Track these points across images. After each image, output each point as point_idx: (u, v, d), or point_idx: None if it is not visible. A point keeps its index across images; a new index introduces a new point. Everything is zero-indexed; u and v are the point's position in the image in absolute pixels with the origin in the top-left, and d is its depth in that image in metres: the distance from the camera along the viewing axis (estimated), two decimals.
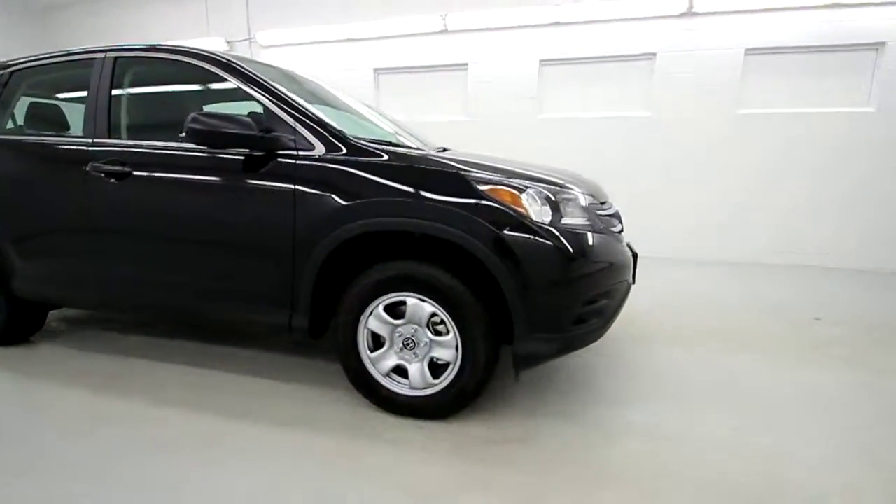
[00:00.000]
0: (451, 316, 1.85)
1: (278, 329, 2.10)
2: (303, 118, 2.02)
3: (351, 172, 1.90)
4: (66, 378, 2.38)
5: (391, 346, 1.98)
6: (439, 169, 1.86)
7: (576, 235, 1.83)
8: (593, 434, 1.94)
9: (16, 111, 2.60)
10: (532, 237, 1.76)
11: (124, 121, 2.35)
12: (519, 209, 1.78)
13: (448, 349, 1.90)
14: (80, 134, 2.35)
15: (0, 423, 1.99)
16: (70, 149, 2.34)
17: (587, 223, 1.92)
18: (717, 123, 5.00)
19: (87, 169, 2.25)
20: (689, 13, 4.77)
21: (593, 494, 1.59)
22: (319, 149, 1.97)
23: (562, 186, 1.95)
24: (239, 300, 2.13)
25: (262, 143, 1.97)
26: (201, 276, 2.17)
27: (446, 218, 1.77)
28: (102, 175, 2.23)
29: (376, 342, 2.00)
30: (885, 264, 4.84)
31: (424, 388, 1.96)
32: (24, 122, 2.67)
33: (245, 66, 2.15)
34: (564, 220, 1.84)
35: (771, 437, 1.93)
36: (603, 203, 2.21)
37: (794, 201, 4.98)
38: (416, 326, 1.93)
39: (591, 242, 1.87)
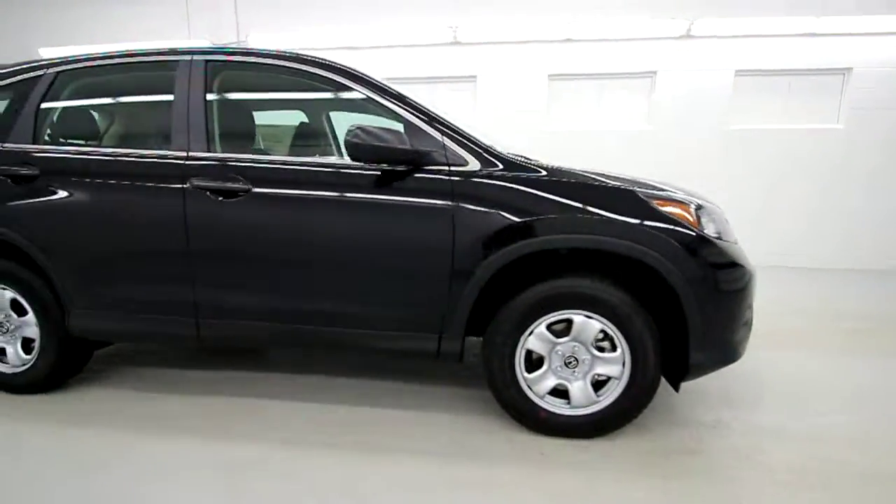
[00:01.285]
0: (620, 331, 1.85)
1: (423, 354, 1.98)
2: (451, 132, 1.93)
3: (520, 189, 1.83)
4: (158, 425, 2.06)
5: (550, 365, 1.93)
6: (609, 185, 1.86)
7: (735, 247, 1.91)
8: (764, 440, 1.98)
9: (69, 118, 2.23)
10: (708, 250, 1.80)
11: (222, 131, 2.09)
12: (692, 223, 1.82)
13: (614, 365, 1.89)
14: (165, 146, 2.07)
15: (133, 492, 1.68)
16: (158, 163, 2.05)
17: (733, 236, 2.00)
18: (709, 137, 5.43)
19: (187, 186, 1.98)
20: (687, 36, 5.16)
21: (798, 496, 1.65)
22: (474, 164, 1.89)
23: (705, 201, 2.02)
24: (381, 326, 1.97)
25: (416, 158, 1.85)
26: (336, 301, 1.98)
27: (631, 234, 1.77)
28: (208, 192, 1.98)
29: (532, 362, 1.95)
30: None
31: (587, 407, 1.93)
32: (63, 129, 2.30)
33: (372, 77, 2.01)
34: (721, 233, 1.91)
35: None
36: None
37: (788, 208, 5.54)
38: (577, 344, 1.90)
39: (743, 254, 1.95)
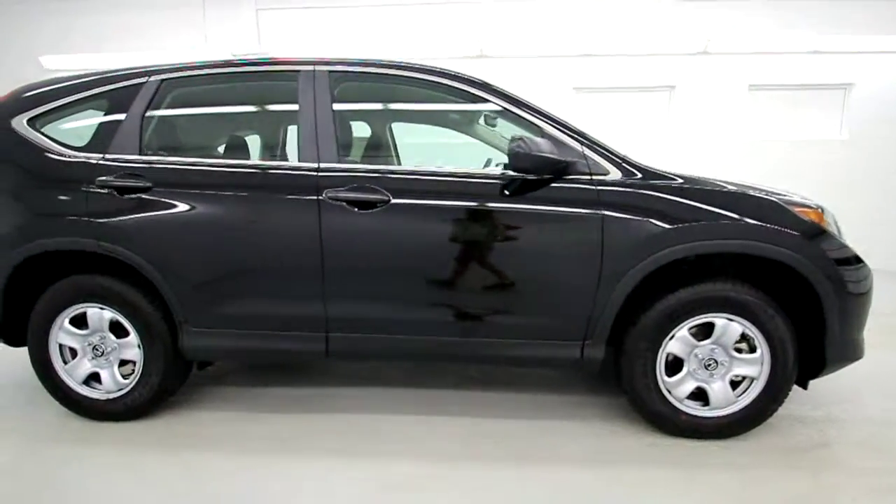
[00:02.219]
0: (762, 333, 1.91)
1: (563, 363, 1.99)
2: (590, 142, 1.96)
3: (668, 197, 1.88)
4: (284, 447, 1.97)
5: (689, 368, 1.97)
6: (751, 193, 1.93)
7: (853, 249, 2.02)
8: (882, 430, 2.08)
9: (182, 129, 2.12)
10: (841, 252, 1.90)
11: (348, 143, 2.06)
12: (829, 229, 1.91)
13: (753, 366, 1.94)
14: (284, 156, 2.02)
15: None
16: (289, 175, 1.99)
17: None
18: (726, 149, 5.70)
19: (322, 197, 1.93)
20: (704, 52, 5.44)
21: None
22: (615, 173, 1.93)
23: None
24: (522, 335, 1.96)
25: (565, 168, 1.87)
26: (476, 312, 1.96)
27: (779, 240, 1.84)
28: (344, 204, 1.93)
29: (671, 366, 1.98)
30: None
31: (725, 408, 1.97)
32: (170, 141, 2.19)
33: (505, 89, 2.03)
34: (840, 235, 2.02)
35: None
36: None
37: None
38: (716, 346, 1.95)
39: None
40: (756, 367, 1.94)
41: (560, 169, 1.87)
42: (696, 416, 1.98)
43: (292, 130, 2.20)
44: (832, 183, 5.74)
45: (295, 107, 2.07)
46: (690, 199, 1.88)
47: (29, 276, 2.11)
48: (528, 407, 2.31)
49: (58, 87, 2.20)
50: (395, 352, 2.06)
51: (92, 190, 2.02)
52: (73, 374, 2.14)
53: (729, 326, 1.92)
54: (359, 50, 5.62)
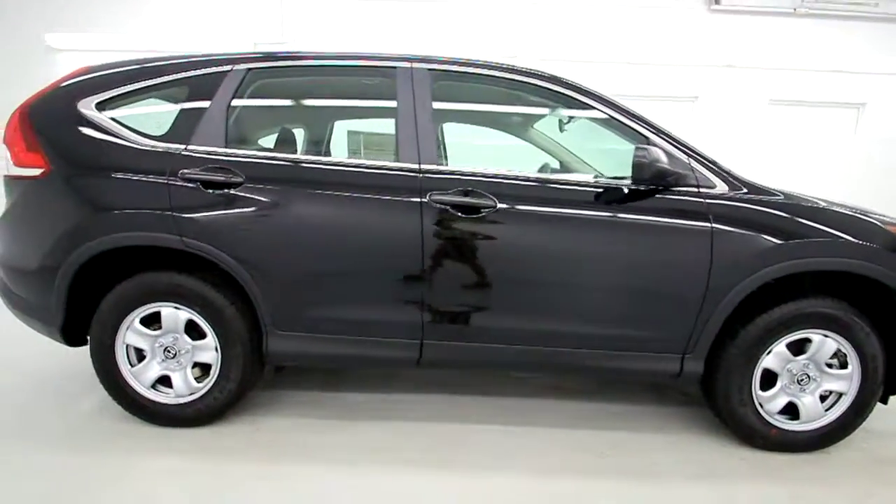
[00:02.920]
0: (855, 349, 1.94)
1: (661, 376, 1.98)
2: (697, 155, 1.95)
3: (775, 213, 1.89)
4: (374, 458, 1.89)
5: (782, 383, 1.99)
6: (855, 214, 1.96)
7: None
8: None
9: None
10: None
11: (451, 144, 1.99)
12: None
13: (842, 381, 1.97)
14: (380, 156, 1.94)
15: None
16: (391, 175, 1.91)
17: None
18: (747, 162, 5.82)
19: (425, 200, 1.86)
20: (728, 66, 5.54)
21: None
22: (721, 187, 1.93)
23: None
24: (624, 347, 1.94)
25: (677, 180, 1.86)
26: (578, 322, 1.93)
27: (882, 260, 1.86)
28: (449, 208, 1.86)
29: (764, 381, 1.99)
30: None
31: (814, 422, 2.00)
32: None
33: (609, 96, 2.00)
34: None
35: None
36: None
37: None
38: (809, 361, 1.97)
39: None
40: (846, 382, 1.98)
41: (674, 181, 1.86)
42: (786, 431, 2.00)
43: (385, 128, 2.13)
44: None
45: (387, 104, 2.00)
46: (800, 216, 1.89)
47: (92, 272, 1.97)
48: (606, 418, 2.29)
49: (129, 70, 2.06)
50: (491, 361, 2.00)
51: (175, 183, 1.90)
52: (140, 378, 2.02)
53: (825, 342, 1.94)
54: (389, 44, 5.50)
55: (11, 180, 2.03)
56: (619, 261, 1.89)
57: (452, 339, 1.94)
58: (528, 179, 1.94)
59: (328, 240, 1.90)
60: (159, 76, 2.03)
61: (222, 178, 1.89)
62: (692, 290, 1.88)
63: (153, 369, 2.02)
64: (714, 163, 1.97)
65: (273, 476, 1.78)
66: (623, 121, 1.96)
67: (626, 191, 1.90)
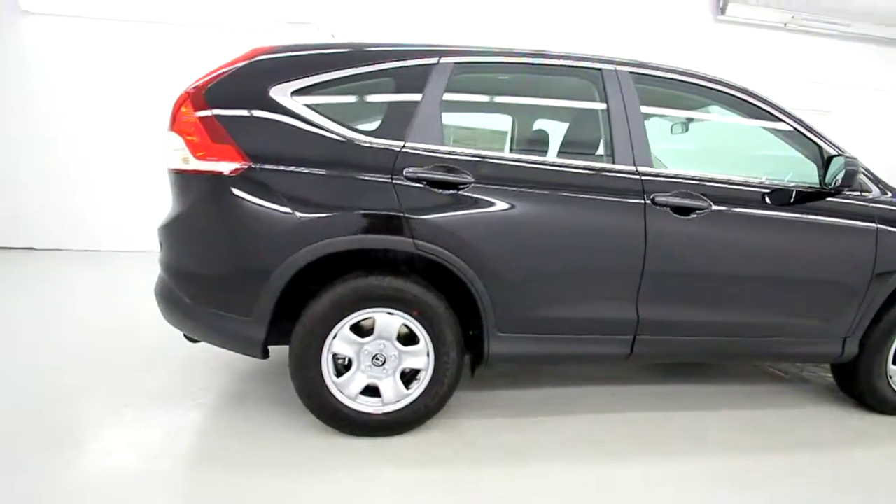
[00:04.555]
0: None
1: (826, 357, 2.25)
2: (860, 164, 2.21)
3: None
4: (594, 451, 1.95)
5: None
6: None
7: None
8: None
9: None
10: None
11: (652, 148, 2.06)
12: None
13: None
14: (590, 157, 1.97)
15: None
16: (616, 177, 1.95)
17: None
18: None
19: (649, 202, 1.93)
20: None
21: None
22: (875, 191, 2.21)
23: None
24: (801, 335, 2.18)
25: (858, 185, 2.11)
26: (767, 313, 2.13)
27: None
28: (668, 209, 1.95)
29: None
30: None
31: None
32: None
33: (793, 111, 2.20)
34: None
35: None
36: None
37: None
38: None
39: None
40: None
41: (857, 186, 2.11)
42: None
43: (587, 128, 2.16)
44: None
45: (592, 105, 2.04)
46: None
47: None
48: (730, 399, 2.51)
49: (327, 55, 1.90)
50: (693, 352, 2.15)
51: (400, 182, 1.80)
52: (346, 388, 1.90)
53: None
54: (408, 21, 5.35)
55: (192, 175, 1.79)
56: (810, 256, 2.12)
57: (661, 334, 2.06)
58: (731, 183, 2.09)
59: (554, 241, 1.92)
60: (363, 65, 1.88)
61: (454, 178, 1.82)
62: (860, 282, 2.16)
63: (359, 379, 1.91)
64: (869, 171, 2.25)
65: (517, 477, 1.78)
66: (806, 133, 2.18)
67: (807, 193, 2.12)
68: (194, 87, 1.84)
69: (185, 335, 2.16)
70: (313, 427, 1.97)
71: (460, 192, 1.83)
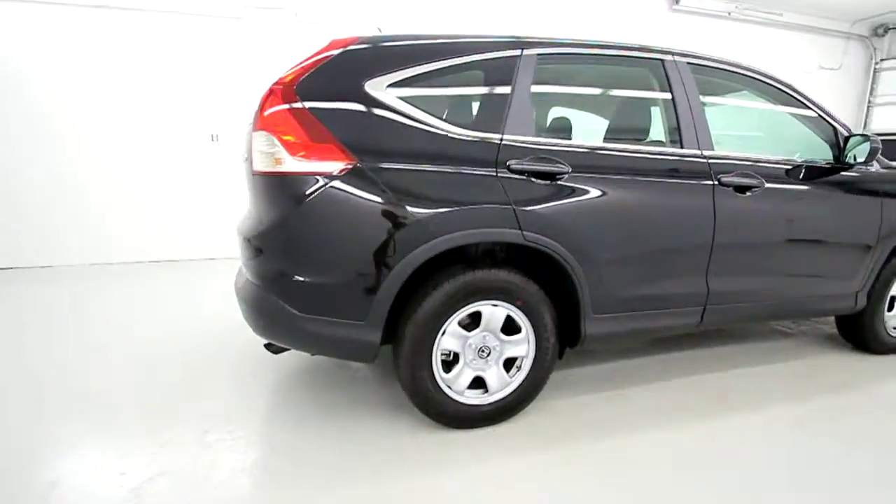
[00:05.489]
0: None
1: (844, 311, 2.60)
2: None
3: None
4: (702, 411, 2.11)
5: None
6: None
7: None
8: None
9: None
10: None
11: (717, 133, 2.22)
12: None
13: None
14: (656, 143, 2.11)
15: None
16: (688, 161, 2.10)
17: None
18: None
19: (716, 183, 2.10)
20: None
21: None
22: (876, 166, 2.55)
23: None
24: (826, 293, 2.49)
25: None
26: (808, 277, 2.41)
27: None
28: (731, 189, 2.13)
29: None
30: None
31: None
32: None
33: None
34: None
35: None
36: None
37: None
38: None
39: None
40: None
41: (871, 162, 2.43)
42: None
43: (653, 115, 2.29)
44: None
45: (658, 94, 2.18)
46: None
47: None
48: (759, 356, 2.82)
49: (419, 47, 1.85)
50: (749, 316, 2.40)
51: (505, 175, 1.81)
52: (454, 384, 1.91)
53: None
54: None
55: (290, 178, 1.68)
56: (839, 222, 2.43)
57: (726, 303, 2.26)
58: (774, 162, 2.32)
59: (641, 224, 2.03)
60: (453, 57, 1.85)
61: (554, 169, 1.86)
62: (872, 242, 2.51)
63: (467, 372, 1.93)
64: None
65: (628, 445, 1.90)
66: (828, 119, 2.47)
67: (829, 169, 2.42)
68: (284, 83, 1.71)
69: (266, 346, 2.05)
70: (422, 425, 1.97)
71: (558, 182, 1.89)
